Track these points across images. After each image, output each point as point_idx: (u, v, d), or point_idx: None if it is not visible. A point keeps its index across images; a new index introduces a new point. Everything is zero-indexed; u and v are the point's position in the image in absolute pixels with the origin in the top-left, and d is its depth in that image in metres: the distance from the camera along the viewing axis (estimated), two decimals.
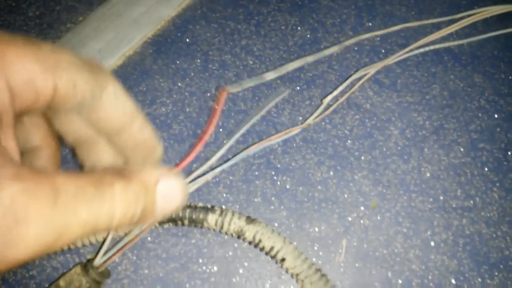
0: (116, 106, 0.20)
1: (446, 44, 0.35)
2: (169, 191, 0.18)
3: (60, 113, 0.21)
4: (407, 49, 0.35)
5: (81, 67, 0.17)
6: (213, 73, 0.35)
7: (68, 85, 0.17)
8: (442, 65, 0.34)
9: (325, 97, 0.33)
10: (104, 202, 0.15)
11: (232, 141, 0.30)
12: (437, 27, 0.36)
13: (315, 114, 0.32)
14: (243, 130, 0.30)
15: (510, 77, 0.34)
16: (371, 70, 0.33)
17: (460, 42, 0.35)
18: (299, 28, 0.36)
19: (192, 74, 0.35)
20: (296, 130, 0.31)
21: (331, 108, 0.32)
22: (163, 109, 0.34)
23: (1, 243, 0.13)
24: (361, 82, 0.33)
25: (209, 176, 0.29)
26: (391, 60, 0.34)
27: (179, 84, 0.34)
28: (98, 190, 0.15)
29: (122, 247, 0.28)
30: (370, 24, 0.36)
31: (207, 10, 0.37)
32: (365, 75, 0.33)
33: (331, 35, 0.36)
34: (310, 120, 0.32)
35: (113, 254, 0.28)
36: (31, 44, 0.16)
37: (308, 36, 0.36)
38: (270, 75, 0.30)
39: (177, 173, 0.19)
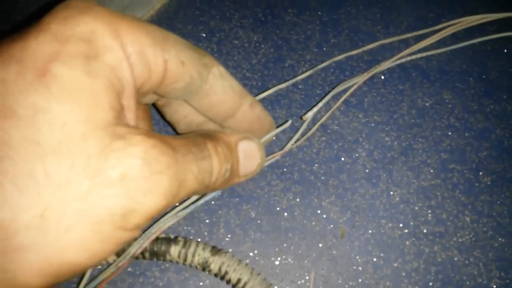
0: (224, 87, 0.20)
1: (414, 57, 0.33)
2: (249, 150, 0.21)
3: (171, 99, 0.21)
4: (380, 66, 0.33)
5: (187, 46, 0.18)
6: None
7: (177, 62, 0.17)
8: (410, 82, 0.33)
9: (304, 114, 0.31)
10: (205, 160, 0.17)
11: None
12: (405, 41, 0.35)
13: (295, 137, 0.30)
14: None
15: (480, 93, 0.33)
16: (351, 84, 0.32)
17: (430, 53, 0.34)
18: (262, 45, 0.35)
19: None
20: (277, 156, 0.29)
21: (314, 128, 0.30)
22: None
23: (139, 192, 0.14)
24: (344, 97, 0.32)
25: (181, 215, 0.26)
26: (365, 76, 0.32)
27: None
28: (199, 149, 0.17)
29: (98, 285, 0.26)
30: (335, 40, 0.35)
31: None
32: (344, 90, 0.32)
33: (296, 52, 0.34)
34: (290, 145, 0.29)
35: None
36: (139, 20, 0.16)
37: (272, 53, 0.34)
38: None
39: (252, 136, 0.21)
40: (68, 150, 0.13)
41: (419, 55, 0.34)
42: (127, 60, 0.15)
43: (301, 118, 0.31)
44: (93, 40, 0.14)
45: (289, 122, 0.28)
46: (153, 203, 0.15)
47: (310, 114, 0.30)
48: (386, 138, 0.31)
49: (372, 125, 0.32)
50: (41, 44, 0.14)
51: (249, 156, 0.21)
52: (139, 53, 0.16)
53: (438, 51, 0.34)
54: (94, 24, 0.15)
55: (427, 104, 0.32)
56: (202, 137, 0.18)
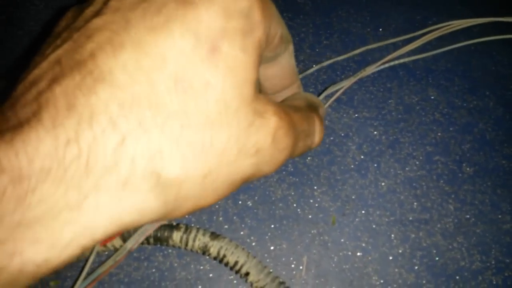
0: (290, 64, 0.23)
1: (401, 61, 0.36)
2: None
3: None
4: (368, 68, 0.35)
5: (282, 21, 0.19)
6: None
7: (280, 36, 0.18)
8: (398, 80, 0.35)
9: None
10: (310, 137, 0.19)
11: None
12: (394, 44, 0.37)
13: None
14: None
15: (464, 90, 0.35)
16: (338, 88, 0.34)
17: (415, 57, 0.36)
18: None
19: None
20: None
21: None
22: None
23: (264, 163, 0.16)
24: (332, 99, 0.34)
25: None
26: (352, 80, 0.35)
27: None
28: (309, 125, 0.19)
29: (97, 277, 0.28)
30: (327, 42, 0.37)
31: None
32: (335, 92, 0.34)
33: None
34: None
35: (89, 284, 0.28)
36: None
37: None
38: None
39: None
40: (226, 123, 0.15)
41: (406, 59, 0.36)
42: (267, 35, 0.17)
43: None
44: (250, 16, 0.16)
45: None
46: (268, 171, 0.17)
47: None
48: (375, 132, 0.33)
49: (362, 120, 0.34)
50: (212, 18, 0.15)
51: (314, 133, 0.23)
52: (270, 28, 0.17)
53: (424, 55, 0.36)
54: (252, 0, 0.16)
55: (413, 100, 0.35)
56: (311, 110, 0.21)
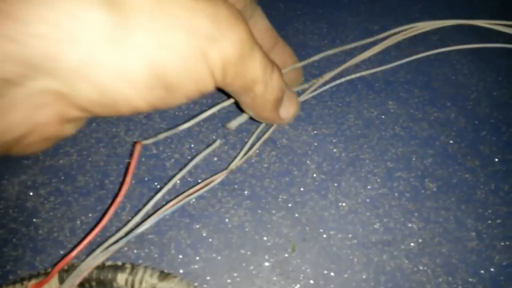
0: (266, 26, 0.26)
1: (358, 74, 0.34)
2: (290, 96, 0.25)
3: None
4: (322, 81, 0.34)
5: None
6: (121, 116, 0.33)
7: None
8: (356, 94, 0.34)
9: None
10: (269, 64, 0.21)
11: (152, 203, 0.27)
12: (350, 54, 0.35)
13: (239, 157, 0.30)
14: (163, 191, 0.27)
15: (424, 102, 0.34)
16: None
17: (375, 70, 0.35)
18: None
19: (98, 118, 0.33)
20: (219, 179, 0.29)
21: (256, 146, 0.31)
22: (67, 160, 0.31)
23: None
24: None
25: (122, 242, 0.26)
26: (310, 92, 0.33)
27: (84, 130, 0.32)
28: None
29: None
30: None
31: None
32: None
33: None
34: (233, 165, 0.30)
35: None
36: None
37: None
38: (185, 125, 0.28)
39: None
40: None
41: (364, 72, 0.35)
42: None
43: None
44: None
45: (218, 143, 0.28)
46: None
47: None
48: (334, 150, 0.32)
49: (321, 137, 0.32)
50: None
51: (290, 101, 0.25)
52: None
53: (383, 67, 0.35)
54: None
55: (373, 114, 0.33)
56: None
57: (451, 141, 0.32)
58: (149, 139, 0.25)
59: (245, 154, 0.30)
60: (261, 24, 0.25)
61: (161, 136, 0.25)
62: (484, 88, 0.34)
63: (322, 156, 0.32)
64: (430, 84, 0.34)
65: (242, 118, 0.27)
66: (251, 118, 0.26)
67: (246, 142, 0.31)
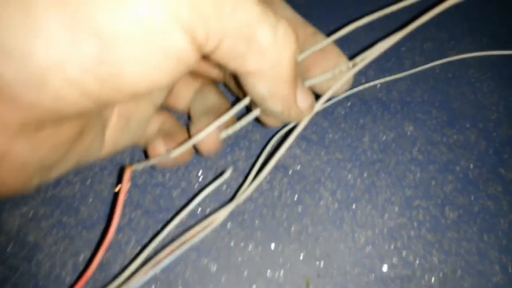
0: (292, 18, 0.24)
1: (367, 85, 0.33)
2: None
3: None
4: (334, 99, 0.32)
5: None
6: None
7: None
8: (371, 115, 0.32)
9: (256, 159, 0.30)
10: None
11: (153, 245, 0.25)
12: (363, 72, 0.34)
13: (246, 184, 0.28)
14: (168, 229, 0.25)
15: (442, 123, 0.32)
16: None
17: (382, 80, 0.33)
18: None
19: None
20: (223, 215, 0.26)
21: (265, 171, 0.29)
22: (69, 189, 0.30)
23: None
24: (293, 136, 0.30)
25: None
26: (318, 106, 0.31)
27: None
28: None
29: None
30: None
31: None
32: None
33: None
34: (241, 196, 0.27)
35: None
36: None
37: None
38: (178, 150, 0.26)
39: None
40: None
41: (372, 83, 0.33)
42: None
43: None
44: None
45: (229, 172, 0.26)
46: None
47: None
48: (349, 176, 0.30)
49: (334, 163, 0.31)
50: None
51: (303, 89, 0.21)
52: None
53: (398, 76, 0.33)
54: None
55: (389, 137, 0.32)
56: None
57: (471, 166, 0.31)
58: (140, 163, 0.23)
59: (253, 180, 0.28)
60: (285, 15, 0.21)
61: (152, 161, 0.24)
62: (505, 108, 0.33)
63: (336, 182, 0.30)
64: (449, 104, 0.33)
65: (240, 123, 0.25)
66: (257, 120, 0.24)
67: (252, 166, 0.29)
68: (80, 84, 0.14)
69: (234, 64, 0.17)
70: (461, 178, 0.30)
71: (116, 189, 0.29)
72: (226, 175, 0.26)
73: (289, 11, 0.25)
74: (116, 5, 0.13)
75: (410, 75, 0.34)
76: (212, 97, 0.26)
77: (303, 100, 0.20)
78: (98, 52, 0.13)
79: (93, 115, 0.19)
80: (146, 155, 0.30)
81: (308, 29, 0.24)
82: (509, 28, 0.35)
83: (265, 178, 0.30)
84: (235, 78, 0.21)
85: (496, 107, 0.33)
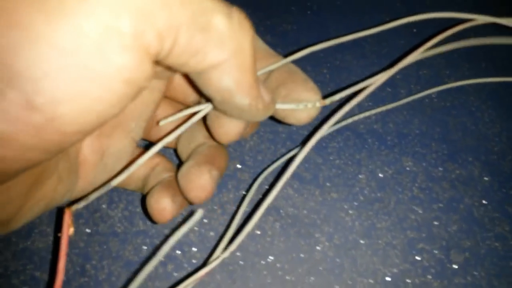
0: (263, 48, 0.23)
1: (362, 115, 0.31)
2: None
3: None
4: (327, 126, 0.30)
5: None
6: None
7: None
8: (367, 150, 0.30)
9: (240, 206, 0.27)
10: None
11: None
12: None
13: (225, 241, 0.26)
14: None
15: (443, 157, 0.30)
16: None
17: (376, 111, 0.31)
18: None
19: None
20: (205, 271, 0.23)
21: (252, 223, 0.26)
22: (43, 241, 0.27)
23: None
24: (290, 171, 0.28)
25: None
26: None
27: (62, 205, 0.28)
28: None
29: None
30: None
31: None
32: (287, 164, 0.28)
33: None
34: (225, 252, 0.24)
35: None
36: None
37: None
38: (119, 179, 0.23)
39: None
40: None
41: (367, 113, 0.31)
42: None
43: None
44: None
45: (200, 213, 0.23)
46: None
47: (244, 204, 0.25)
48: (347, 218, 0.28)
49: (330, 203, 0.29)
50: None
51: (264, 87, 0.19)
52: None
53: (393, 105, 0.31)
54: None
55: (387, 174, 0.30)
56: None
57: (476, 203, 0.29)
58: (79, 203, 0.21)
59: (239, 229, 0.26)
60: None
61: (93, 196, 0.21)
62: (508, 138, 0.31)
63: (333, 226, 0.28)
64: (449, 136, 0.31)
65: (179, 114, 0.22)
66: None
67: (236, 212, 0.27)
68: (13, 138, 0.12)
69: (194, 61, 0.15)
70: (466, 217, 0.28)
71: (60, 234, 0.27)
72: (198, 215, 0.24)
73: (260, 43, 0.23)
74: (38, 39, 0.11)
75: (407, 105, 0.32)
76: (199, 135, 0.24)
77: (265, 94, 0.19)
78: (25, 99, 0.11)
79: (49, 161, 0.17)
80: (143, 203, 0.28)
81: (275, 58, 0.23)
82: (508, 52, 0.34)
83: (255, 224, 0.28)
84: (193, 84, 0.19)
85: (498, 138, 0.31)
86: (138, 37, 0.12)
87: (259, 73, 0.22)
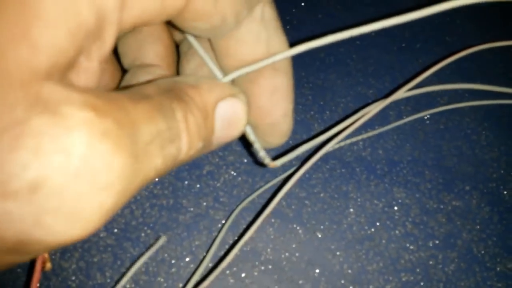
0: (258, 39, 0.15)
1: (349, 141, 0.28)
2: (231, 116, 0.14)
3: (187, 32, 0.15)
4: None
5: None
6: None
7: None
8: (354, 181, 0.27)
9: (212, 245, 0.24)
10: (172, 143, 0.12)
11: None
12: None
13: (197, 275, 0.23)
14: None
15: (438, 187, 0.27)
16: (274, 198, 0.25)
17: (365, 136, 0.28)
18: None
19: None
20: None
21: (227, 260, 0.23)
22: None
23: (65, 217, 0.09)
24: (271, 206, 0.25)
25: None
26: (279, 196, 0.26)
27: None
28: (166, 123, 0.11)
29: None
30: None
31: None
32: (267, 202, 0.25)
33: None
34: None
35: None
36: None
37: None
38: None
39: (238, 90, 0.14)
40: None
41: (354, 139, 0.28)
42: None
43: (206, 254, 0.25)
44: None
45: (163, 239, 0.21)
46: (80, 234, 0.10)
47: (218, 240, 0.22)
48: (334, 261, 0.25)
49: (315, 244, 0.26)
50: None
51: (230, 124, 0.14)
52: None
53: (383, 129, 0.28)
54: None
55: (377, 207, 0.27)
56: (167, 97, 0.12)
57: (475, 238, 0.26)
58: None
59: (206, 276, 0.23)
60: (250, 37, 0.14)
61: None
62: (508, 163, 0.28)
63: (319, 270, 0.25)
64: (443, 162, 0.28)
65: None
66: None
67: (204, 258, 0.24)
68: None
69: None
70: (464, 255, 0.26)
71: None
72: (161, 241, 0.23)
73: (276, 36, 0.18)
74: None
75: (397, 129, 0.29)
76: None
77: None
78: None
79: None
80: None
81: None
82: (504, 70, 0.31)
83: (229, 269, 0.25)
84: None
85: (497, 163, 0.28)
86: None
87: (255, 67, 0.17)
